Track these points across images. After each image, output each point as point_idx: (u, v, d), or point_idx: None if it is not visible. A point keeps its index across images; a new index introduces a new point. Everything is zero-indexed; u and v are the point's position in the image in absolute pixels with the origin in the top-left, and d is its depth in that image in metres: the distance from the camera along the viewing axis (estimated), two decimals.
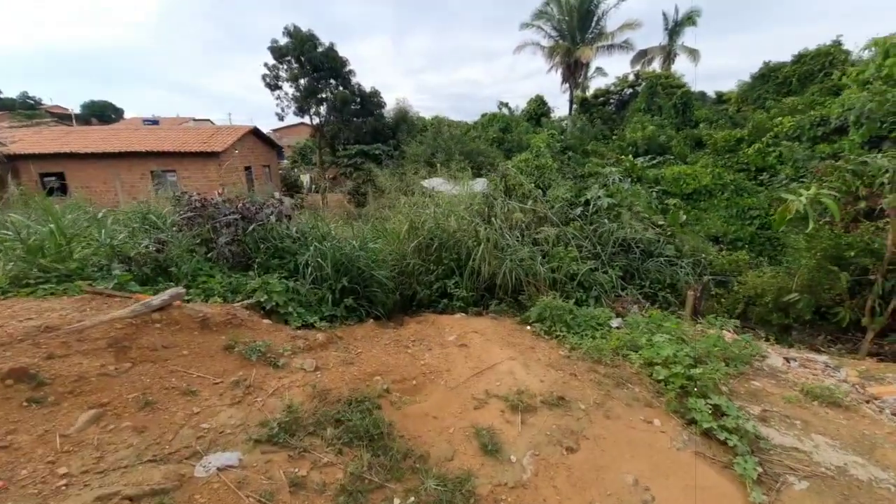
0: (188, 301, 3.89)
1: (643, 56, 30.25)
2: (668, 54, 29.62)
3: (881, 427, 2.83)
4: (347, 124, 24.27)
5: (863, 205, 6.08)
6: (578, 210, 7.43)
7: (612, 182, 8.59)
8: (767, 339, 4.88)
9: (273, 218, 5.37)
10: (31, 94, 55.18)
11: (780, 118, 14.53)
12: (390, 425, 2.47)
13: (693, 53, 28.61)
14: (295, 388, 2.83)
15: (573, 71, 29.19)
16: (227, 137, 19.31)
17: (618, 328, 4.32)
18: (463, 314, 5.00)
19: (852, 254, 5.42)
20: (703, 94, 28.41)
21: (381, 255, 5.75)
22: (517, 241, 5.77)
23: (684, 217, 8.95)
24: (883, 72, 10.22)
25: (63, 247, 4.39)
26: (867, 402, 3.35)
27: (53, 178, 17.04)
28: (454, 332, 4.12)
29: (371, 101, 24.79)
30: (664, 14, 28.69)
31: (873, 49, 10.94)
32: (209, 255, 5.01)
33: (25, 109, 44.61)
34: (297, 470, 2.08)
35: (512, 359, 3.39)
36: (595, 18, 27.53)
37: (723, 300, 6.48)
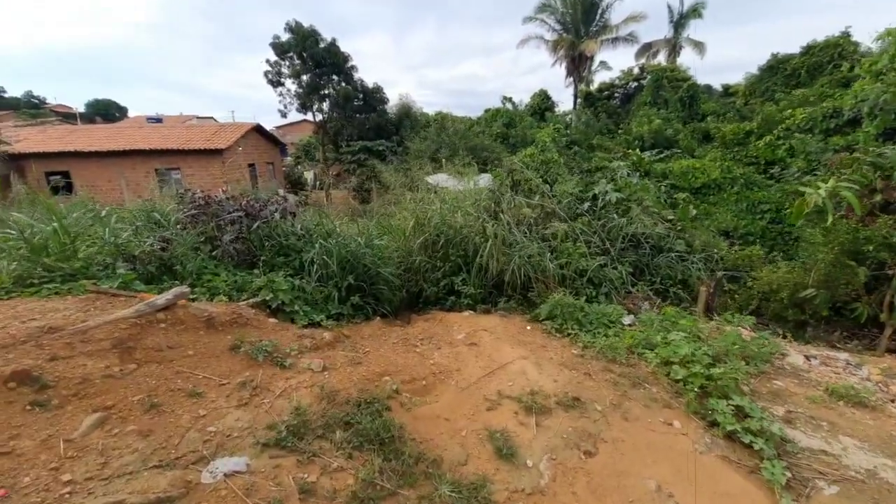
0: (193, 300, 3.83)
1: (648, 49, 29.80)
2: (674, 47, 29.15)
3: None
4: (350, 120, 24.13)
5: (879, 198, 5.93)
6: (586, 205, 7.31)
7: (620, 176, 8.43)
8: (785, 337, 4.76)
9: (277, 215, 5.30)
10: (35, 94, 55.48)
11: (790, 110, 14.26)
12: (401, 428, 2.39)
13: (699, 46, 28.15)
14: (302, 388, 2.76)
15: (577, 65, 28.79)
16: (231, 135, 19.26)
17: (630, 325, 4.22)
18: (471, 312, 4.91)
19: (870, 248, 5.27)
20: (709, 87, 28.03)
21: (386, 252, 5.67)
22: (525, 237, 5.67)
23: (694, 212, 8.80)
24: None
25: (67, 246, 4.34)
26: (892, 401, 3.24)
27: (58, 177, 17.07)
28: (463, 331, 4.04)
29: (374, 97, 24.62)
30: (669, 6, 28.22)
31: (886, 40, 10.67)
32: (214, 253, 4.95)
33: (30, 108, 44.80)
34: (306, 475, 2.01)
35: (524, 358, 3.31)
36: (599, 11, 27.11)
37: (736, 296, 6.35)
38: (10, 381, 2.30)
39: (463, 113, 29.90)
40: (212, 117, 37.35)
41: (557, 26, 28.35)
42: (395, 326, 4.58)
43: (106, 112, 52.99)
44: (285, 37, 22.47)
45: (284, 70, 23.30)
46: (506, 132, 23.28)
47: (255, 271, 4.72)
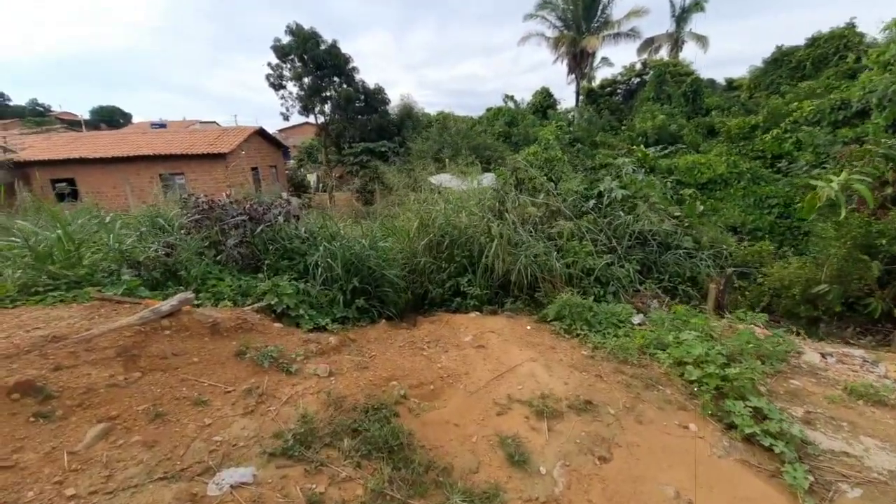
0: (198, 305, 3.80)
1: (650, 44, 29.59)
2: (676, 42, 28.92)
3: None
4: (352, 122, 24.13)
5: (890, 190, 5.82)
6: (591, 203, 7.23)
7: (625, 173, 8.33)
8: (798, 334, 4.67)
9: (281, 218, 5.27)
10: (40, 102, 56.09)
11: (797, 103, 14.08)
12: (410, 435, 2.34)
13: (701, 40, 27.89)
14: (309, 395, 2.71)
15: (579, 61, 28.65)
16: (234, 138, 19.31)
17: (640, 325, 4.15)
18: (477, 313, 4.85)
19: (883, 242, 5.16)
20: (712, 82, 27.72)
21: (391, 254, 5.63)
22: (530, 236, 5.61)
23: (701, 207, 8.68)
24: None
25: (72, 253, 4.33)
26: None
27: (64, 184, 17.18)
28: (470, 332, 3.98)
29: (375, 98, 24.61)
30: (671, 0, 28.02)
31: (893, 30, 10.50)
32: (218, 258, 4.93)
33: (35, 116, 45.24)
34: (314, 486, 1.96)
35: (532, 360, 3.25)
36: (600, 7, 26.96)
37: (747, 293, 6.25)
38: (13, 392, 2.27)
39: (464, 113, 29.88)
40: (215, 122, 37.57)
41: (558, 23, 28.24)
42: (401, 329, 4.53)
43: (110, 118, 53.46)
44: (286, 39, 22.52)
45: (286, 73, 23.33)
46: (508, 131, 23.19)
47: (260, 275, 4.69)
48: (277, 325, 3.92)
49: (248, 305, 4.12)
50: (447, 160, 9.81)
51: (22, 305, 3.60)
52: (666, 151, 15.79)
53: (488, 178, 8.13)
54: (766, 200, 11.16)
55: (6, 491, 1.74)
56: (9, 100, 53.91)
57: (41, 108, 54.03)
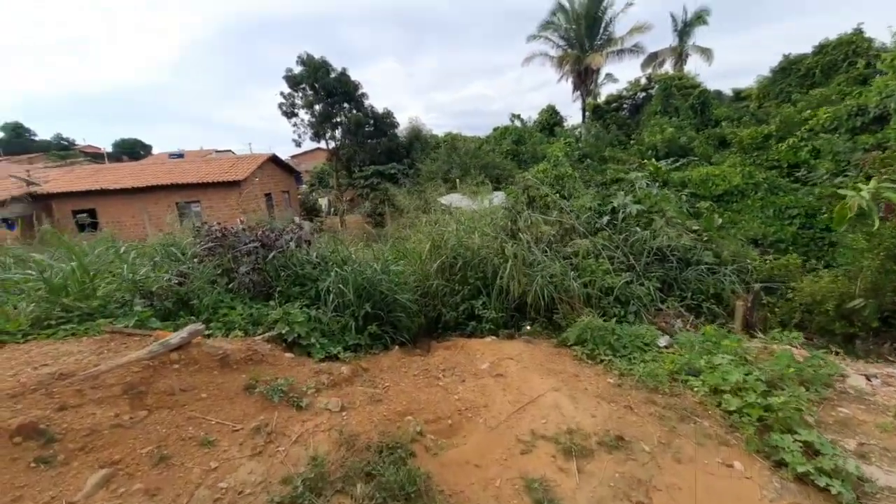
0: (209, 335, 3.73)
1: (654, 59, 29.79)
2: (680, 55, 29.06)
3: None
4: (362, 146, 24.58)
5: None
6: (605, 219, 7.07)
7: (639, 187, 8.18)
8: (836, 353, 4.37)
9: (293, 244, 5.24)
10: (64, 136, 58.66)
11: (811, 111, 13.82)
12: (427, 478, 2.17)
13: (706, 52, 27.97)
14: (320, 433, 2.57)
15: (584, 78, 28.92)
16: (248, 166, 19.78)
17: (667, 348, 3.93)
18: (493, 337, 4.68)
19: None
20: (719, 93, 27.61)
21: (403, 278, 5.52)
22: (545, 255, 5.46)
23: (720, 220, 8.43)
24: None
25: (86, 284, 4.33)
26: None
27: (85, 215, 17.70)
28: (487, 359, 3.81)
29: (384, 122, 25.09)
30: (672, 15, 28.33)
31: None
32: (230, 286, 4.89)
33: (59, 150, 47.26)
34: None
35: (555, 390, 3.06)
36: (603, 25, 27.36)
37: (776, 309, 5.94)
38: (16, 435, 2.19)
39: (471, 133, 30.09)
40: (230, 150, 38.74)
41: (562, 42, 28.67)
42: (415, 356, 4.38)
43: (132, 150, 55.57)
44: (298, 69, 23.27)
45: (298, 101, 24.03)
46: (516, 149, 23.29)
47: (272, 303, 4.62)
48: (288, 354, 3.82)
49: (259, 335, 4.03)
50: (457, 180, 9.80)
51: (34, 340, 3.56)
52: (678, 164, 15.58)
53: (499, 197, 8.06)
54: (786, 211, 10.80)
55: None
56: (34, 135, 56.60)
57: (66, 142, 56.53)
